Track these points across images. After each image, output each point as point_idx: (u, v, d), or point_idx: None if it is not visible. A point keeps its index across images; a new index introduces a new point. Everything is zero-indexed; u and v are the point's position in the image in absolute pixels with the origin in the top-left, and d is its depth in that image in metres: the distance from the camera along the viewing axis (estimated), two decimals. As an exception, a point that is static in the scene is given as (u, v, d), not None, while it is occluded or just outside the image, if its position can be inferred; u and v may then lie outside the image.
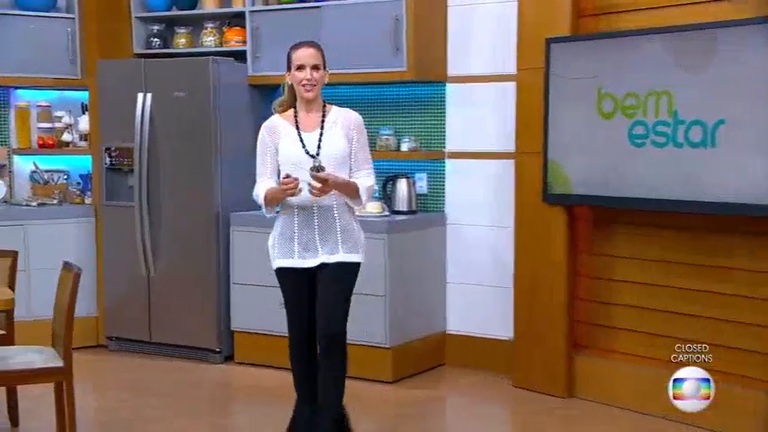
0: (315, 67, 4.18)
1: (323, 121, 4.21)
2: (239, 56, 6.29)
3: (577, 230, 5.36)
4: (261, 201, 4.21)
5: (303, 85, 4.18)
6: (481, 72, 5.81)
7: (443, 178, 6.00)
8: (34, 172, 6.85)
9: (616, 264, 5.25)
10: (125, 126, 6.29)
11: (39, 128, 6.84)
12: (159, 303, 6.27)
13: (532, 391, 5.39)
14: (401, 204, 5.94)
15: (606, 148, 4.94)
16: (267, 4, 6.21)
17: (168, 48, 6.68)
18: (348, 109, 4.33)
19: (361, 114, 6.16)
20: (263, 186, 4.22)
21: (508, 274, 5.67)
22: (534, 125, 5.30)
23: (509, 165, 5.64)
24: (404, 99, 6.09)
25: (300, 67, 4.18)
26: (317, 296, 4.19)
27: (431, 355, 5.93)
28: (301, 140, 4.17)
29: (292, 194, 4.04)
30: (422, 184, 6.03)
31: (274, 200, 4.17)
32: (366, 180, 4.24)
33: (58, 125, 6.82)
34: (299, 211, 4.17)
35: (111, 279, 6.44)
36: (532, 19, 5.31)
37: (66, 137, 6.77)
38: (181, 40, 6.61)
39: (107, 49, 6.63)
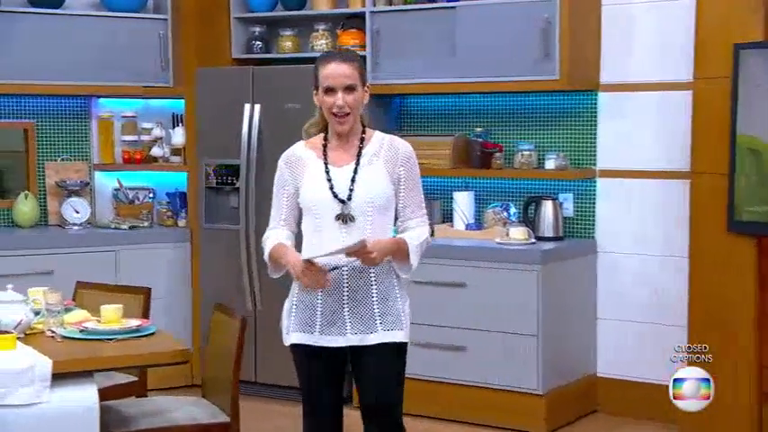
0: (349, 90, 3.31)
1: (359, 153, 3.37)
2: (353, 61, 5.91)
3: (766, 264, 4.96)
4: (266, 256, 3.41)
5: (334, 115, 3.33)
6: (641, 79, 5.41)
7: (593, 200, 5.60)
8: (117, 190, 6.48)
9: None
10: (228, 140, 5.92)
11: (123, 141, 6.49)
12: (266, 340, 5.87)
13: (711, 445, 5.00)
14: (546, 230, 5.54)
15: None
16: (391, 4, 5.84)
17: (271, 52, 6.32)
18: (395, 137, 3.45)
19: (494, 127, 5.90)
20: (273, 237, 3.41)
21: (672, 311, 5.29)
22: (716, 142, 4.89)
23: (676, 185, 5.26)
24: (546, 109, 5.70)
25: (329, 90, 3.32)
26: (357, 378, 3.41)
27: (583, 402, 5.53)
28: (329, 179, 3.34)
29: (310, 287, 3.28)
30: (568, 206, 5.63)
31: (281, 265, 3.39)
32: (418, 233, 3.37)
33: (144, 138, 6.46)
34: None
35: (209, 312, 6.04)
36: (715, 21, 4.90)
37: (155, 151, 6.39)
38: (286, 44, 6.23)
39: (202, 53, 6.27)
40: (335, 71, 3.32)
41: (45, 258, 5.75)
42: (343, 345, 3.32)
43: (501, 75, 5.44)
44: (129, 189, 6.49)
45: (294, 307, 3.40)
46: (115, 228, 6.15)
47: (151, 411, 3.70)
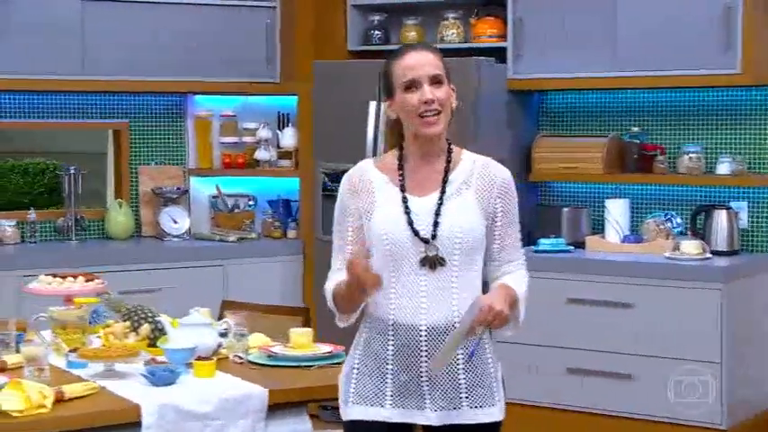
0: (436, 82, 2.80)
1: (445, 179, 2.86)
2: (487, 53, 5.70)
3: None
4: (330, 302, 2.88)
5: (421, 116, 2.78)
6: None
7: (773, 209, 5.39)
8: (216, 197, 6.28)
9: None
10: (347, 142, 5.71)
11: (221, 143, 6.30)
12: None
13: None
14: (719, 243, 5.29)
15: None
16: (536, -12, 5.64)
17: (390, 43, 6.12)
18: (490, 160, 2.92)
19: (653, 126, 5.60)
20: (334, 279, 2.89)
21: None
22: None
23: None
24: (717, 107, 5.44)
25: (411, 86, 2.79)
26: None
27: (764, 438, 5.31)
28: (407, 211, 2.82)
29: (366, 285, 2.70)
30: (742, 216, 5.40)
31: (347, 300, 2.81)
32: (521, 279, 2.89)
33: (246, 140, 6.26)
34: (396, 330, 2.79)
35: (326, 331, 5.83)
36: None
37: (261, 154, 6.16)
38: (410, 34, 6.01)
39: (314, 44, 6.09)
40: (417, 60, 2.81)
41: (147, 274, 5.55)
42: (423, 422, 2.79)
43: (670, 68, 5.21)
44: (228, 197, 6.29)
45: (355, 371, 2.85)
46: (220, 240, 5.95)
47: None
